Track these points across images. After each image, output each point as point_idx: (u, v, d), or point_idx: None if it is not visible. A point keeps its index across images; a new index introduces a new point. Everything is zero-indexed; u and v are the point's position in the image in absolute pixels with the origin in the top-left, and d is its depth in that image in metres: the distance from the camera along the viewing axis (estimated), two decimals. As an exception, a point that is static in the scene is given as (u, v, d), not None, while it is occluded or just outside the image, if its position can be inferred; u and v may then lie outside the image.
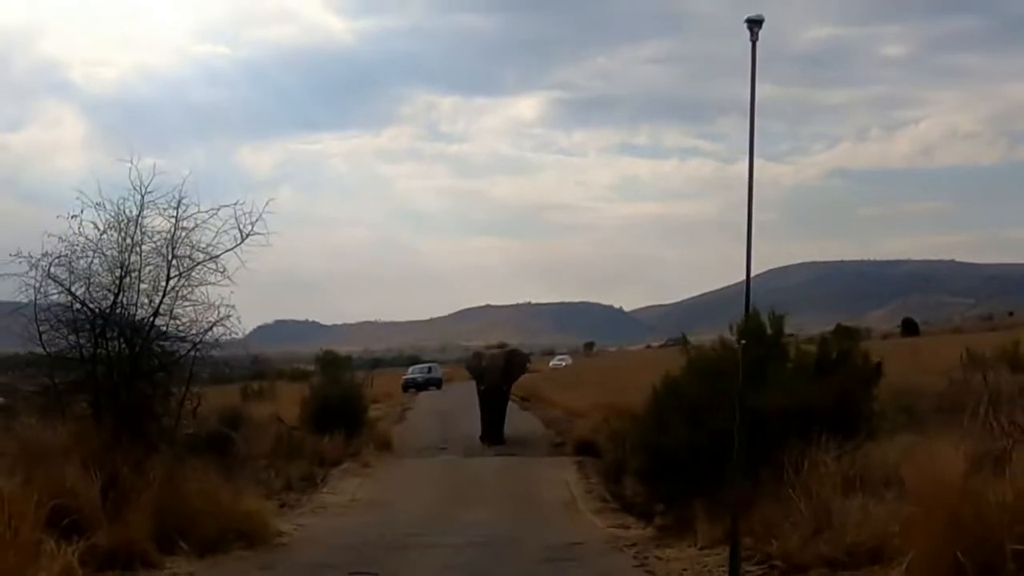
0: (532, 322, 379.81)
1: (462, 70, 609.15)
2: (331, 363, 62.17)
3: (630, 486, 19.96)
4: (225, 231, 15.45)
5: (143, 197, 15.08)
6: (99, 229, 15.03)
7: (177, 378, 15.75)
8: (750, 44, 10.98)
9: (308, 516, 19.43)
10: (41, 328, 14.84)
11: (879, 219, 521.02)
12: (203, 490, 14.14)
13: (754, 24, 10.81)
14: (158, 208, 15.17)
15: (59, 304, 15.16)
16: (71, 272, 15.00)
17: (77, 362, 15.20)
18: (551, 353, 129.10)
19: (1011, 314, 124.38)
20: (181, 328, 15.55)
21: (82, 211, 14.80)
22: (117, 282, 15.13)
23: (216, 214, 15.38)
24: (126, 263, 15.15)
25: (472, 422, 34.45)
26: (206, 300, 15.54)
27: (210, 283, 15.54)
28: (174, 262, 15.36)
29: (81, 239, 14.93)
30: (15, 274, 14.74)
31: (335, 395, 33.01)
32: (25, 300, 14.92)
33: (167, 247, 15.32)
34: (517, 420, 36.98)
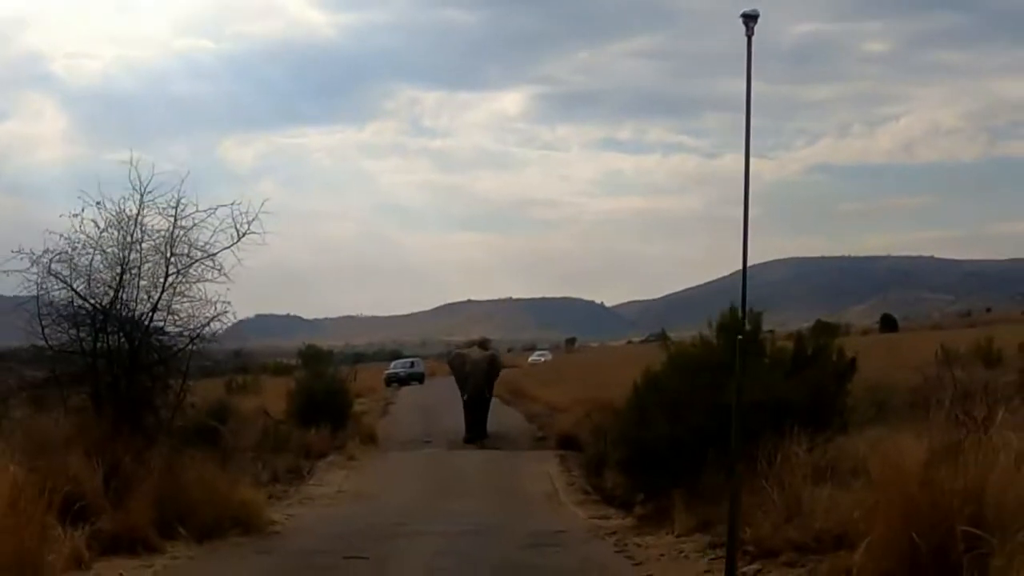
0: (514, 317, 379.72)
1: (446, 65, 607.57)
2: (313, 357, 62.56)
3: (611, 479, 20.36)
4: (222, 230, 15.96)
5: (142, 197, 15.62)
6: (99, 227, 15.56)
7: (174, 371, 16.29)
8: (745, 39, 10.96)
9: (296, 507, 19.87)
10: (44, 323, 15.37)
11: (860, 215, 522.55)
12: (201, 479, 14.65)
13: (749, 19, 10.82)
14: (157, 208, 15.70)
15: (61, 300, 15.69)
16: (72, 269, 15.53)
17: (79, 355, 15.73)
18: (533, 348, 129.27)
19: (989, 310, 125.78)
20: (179, 323, 16.11)
21: (83, 209, 15.34)
22: (117, 278, 15.66)
23: (213, 213, 15.90)
24: (126, 260, 15.69)
25: (455, 416, 34.62)
26: (203, 296, 16.10)
27: (207, 280, 16.07)
28: (172, 260, 15.88)
29: (82, 236, 15.47)
30: (17, 270, 15.28)
31: (321, 389, 33.35)
32: (27, 296, 15.46)
33: (166, 245, 15.85)
34: (500, 415, 37.17)
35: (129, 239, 15.67)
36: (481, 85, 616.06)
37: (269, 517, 16.36)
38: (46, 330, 15.40)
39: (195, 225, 15.88)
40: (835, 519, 10.53)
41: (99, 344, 15.66)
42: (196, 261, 15.93)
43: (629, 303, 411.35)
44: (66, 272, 15.47)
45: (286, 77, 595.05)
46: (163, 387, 16.22)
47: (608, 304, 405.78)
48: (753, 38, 11.05)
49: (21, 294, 15.59)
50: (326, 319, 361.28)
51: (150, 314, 15.89)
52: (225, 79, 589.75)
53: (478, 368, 34.03)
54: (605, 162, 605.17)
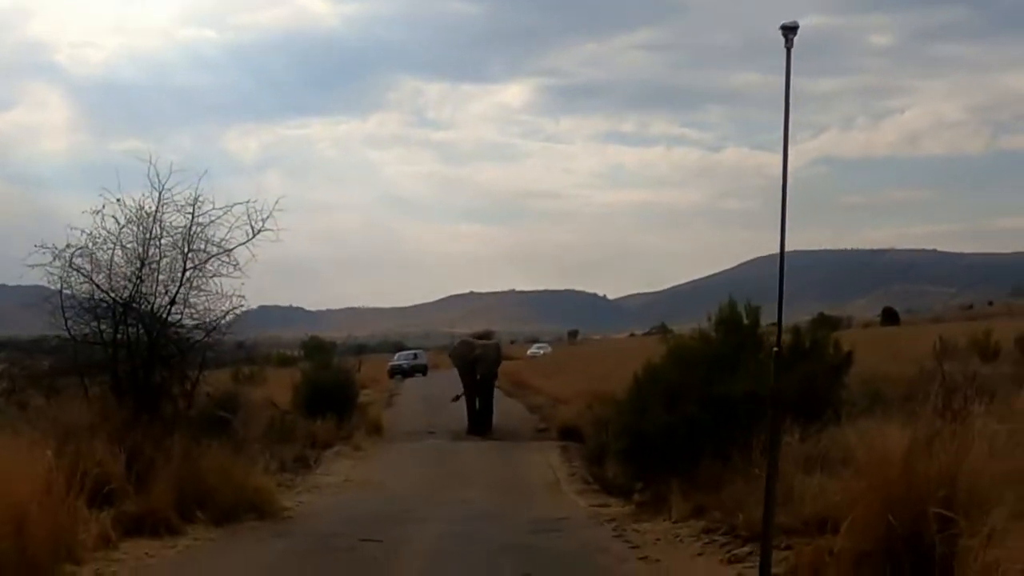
0: (516, 309, 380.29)
1: (449, 56, 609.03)
2: (316, 349, 63.13)
3: (611, 469, 20.62)
4: (237, 227, 16.59)
5: (160, 194, 16.26)
6: (119, 223, 16.22)
7: (191, 362, 16.94)
8: (784, 51, 10.84)
9: (305, 495, 20.31)
10: (67, 314, 16.03)
11: (864, 207, 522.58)
12: (218, 466, 15.28)
13: (789, 31, 10.78)
14: (176, 205, 16.34)
15: (83, 293, 16.35)
16: (93, 263, 16.19)
17: (100, 346, 16.40)
18: (535, 341, 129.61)
19: (991, 303, 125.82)
20: (195, 316, 16.76)
21: (103, 207, 15.99)
22: (137, 273, 16.33)
23: (230, 211, 16.53)
24: (145, 255, 16.34)
25: (459, 408, 34.88)
26: (219, 291, 16.74)
27: (223, 275, 16.70)
28: (190, 255, 16.54)
29: (103, 232, 16.14)
30: (40, 264, 15.93)
31: (327, 380, 33.70)
32: (52, 288, 16.12)
33: (183, 241, 16.50)
34: (503, 406, 37.44)
35: (148, 235, 16.34)
36: (485, 77, 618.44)
37: (281, 504, 16.96)
38: (69, 321, 16.07)
39: (212, 222, 16.54)
40: (822, 504, 11.01)
41: (119, 335, 16.34)
42: (212, 256, 16.60)
43: (632, 296, 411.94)
44: (88, 267, 16.17)
45: (290, 67, 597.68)
46: (180, 377, 16.85)
47: (611, 297, 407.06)
48: (790, 47, 10.85)
49: (44, 286, 16.22)
50: (329, 310, 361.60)
51: (168, 307, 16.55)
52: (229, 69, 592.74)
53: (488, 352, 34.40)
54: (608, 155, 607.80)
